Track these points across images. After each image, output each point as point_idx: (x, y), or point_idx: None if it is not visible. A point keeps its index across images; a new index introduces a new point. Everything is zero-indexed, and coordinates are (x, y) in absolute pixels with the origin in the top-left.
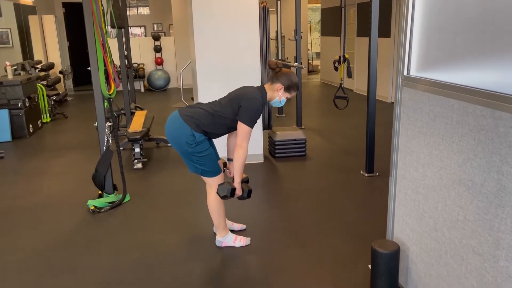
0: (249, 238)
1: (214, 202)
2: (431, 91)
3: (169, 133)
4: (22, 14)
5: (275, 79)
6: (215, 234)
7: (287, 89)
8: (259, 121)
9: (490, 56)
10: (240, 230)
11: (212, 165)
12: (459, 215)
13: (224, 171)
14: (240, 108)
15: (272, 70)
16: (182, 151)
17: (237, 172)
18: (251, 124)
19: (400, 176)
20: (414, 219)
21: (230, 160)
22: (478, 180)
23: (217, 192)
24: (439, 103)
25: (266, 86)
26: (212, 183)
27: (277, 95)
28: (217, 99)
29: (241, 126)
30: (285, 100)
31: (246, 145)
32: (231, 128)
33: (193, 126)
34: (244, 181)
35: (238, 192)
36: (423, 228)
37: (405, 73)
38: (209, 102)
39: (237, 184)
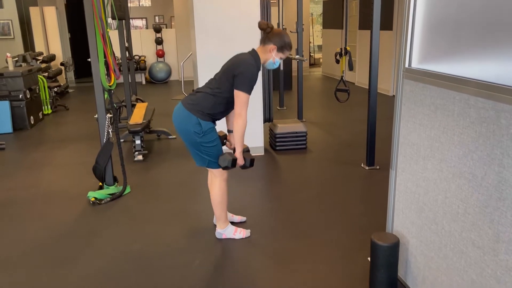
0: (249, 230)
1: (218, 194)
2: (432, 83)
3: (177, 126)
4: (23, 5)
5: (267, 40)
6: (215, 226)
7: (280, 49)
8: (259, 113)
9: (493, 48)
10: (240, 222)
11: (217, 156)
12: (459, 208)
13: (224, 143)
14: (235, 77)
15: (263, 31)
16: (191, 141)
17: (238, 142)
18: (248, 91)
19: (400, 169)
20: (414, 212)
21: (230, 131)
22: (479, 173)
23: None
24: (440, 95)
25: (259, 49)
26: (217, 174)
27: (270, 57)
28: (212, 77)
29: (238, 94)
30: (279, 61)
31: (245, 113)
32: (233, 102)
33: (197, 114)
34: (245, 151)
35: (240, 162)
36: (423, 221)
37: (406, 65)
38: (206, 83)
39: (238, 154)
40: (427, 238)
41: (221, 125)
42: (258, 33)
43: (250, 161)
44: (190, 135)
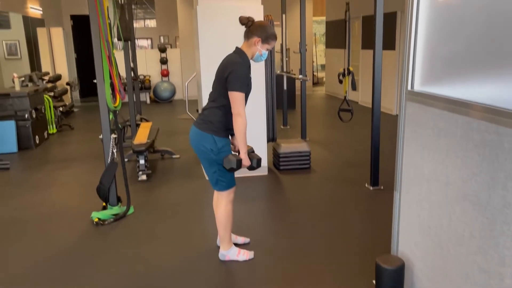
0: (252, 252)
1: (223, 215)
2: (435, 105)
3: (194, 147)
4: (30, 26)
5: (249, 33)
6: (218, 247)
7: (265, 40)
8: (263, 133)
9: (495, 71)
10: (244, 244)
11: (229, 177)
12: (465, 232)
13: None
14: (227, 79)
15: (245, 25)
16: (207, 159)
17: (241, 142)
18: (241, 89)
19: (404, 190)
20: (419, 234)
21: (232, 135)
22: (483, 196)
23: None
24: (443, 118)
25: (243, 46)
26: (224, 196)
27: (256, 50)
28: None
29: (232, 94)
30: (266, 52)
31: (243, 112)
32: None
33: (211, 131)
34: (250, 151)
35: (245, 162)
36: (428, 243)
37: (409, 88)
38: (208, 98)
39: (243, 154)
40: (432, 261)
41: None
42: None
43: (256, 162)
44: (207, 153)
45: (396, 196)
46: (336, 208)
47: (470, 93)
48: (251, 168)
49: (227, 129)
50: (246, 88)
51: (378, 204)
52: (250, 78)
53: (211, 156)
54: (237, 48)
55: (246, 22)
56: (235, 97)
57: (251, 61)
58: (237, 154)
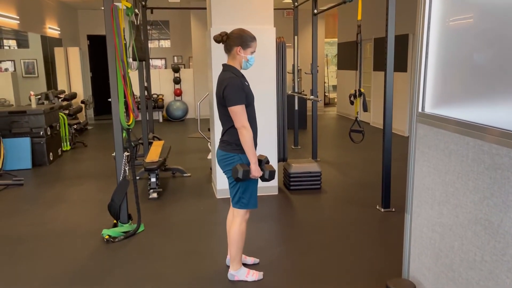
0: (261, 273)
1: (237, 233)
2: (445, 128)
3: (222, 168)
4: (48, 45)
5: (228, 46)
6: (228, 267)
7: (244, 45)
8: (274, 153)
9: (506, 94)
10: (253, 264)
11: (251, 197)
12: (476, 256)
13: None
14: (224, 98)
15: (221, 42)
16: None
17: (249, 153)
18: (239, 102)
19: (415, 213)
20: (430, 258)
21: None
22: (495, 219)
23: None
24: (454, 140)
25: (229, 61)
26: (239, 214)
27: (241, 58)
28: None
29: (232, 110)
30: (252, 56)
31: (246, 123)
32: (251, 117)
33: (235, 151)
34: (265, 162)
35: (256, 173)
36: (440, 267)
37: (419, 110)
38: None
39: (253, 165)
40: (444, 285)
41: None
42: (273, 75)
43: (269, 173)
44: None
45: (407, 218)
46: (346, 230)
47: (481, 116)
48: (263, 179)
49: None
50: (244, 99)
51: (389, 226)
52: (247, 86)
53: None
54: (223, 65)
55: (221, 38)
56: (235, 111)
57: (243, 71)
58: (243, 163)
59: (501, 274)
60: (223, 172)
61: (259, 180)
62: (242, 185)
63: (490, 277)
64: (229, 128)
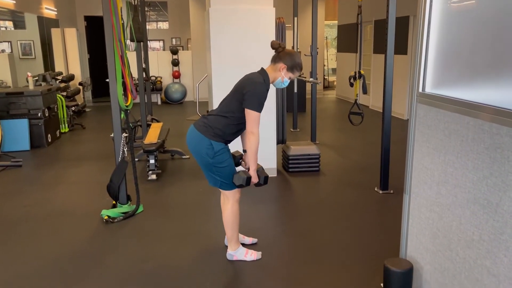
0: (260, 253)
1: (230, 215)
2: (445, 108)
3: (190, 147)
4: (45, 26)
5: (277, 59)
6: (226, 247)
7: (290, 68)
8: (273, 135)
9: (506, 73)
10: (252, 244)
11: (231, 177)
12: (474, 235)
13: (240, 163)
14: (244, 95)
15: (275, 50)
16: (204, 162)
17: (251, 160)
18: (258, 109)
19: (414, 193)
20: (428, 237)
21: (245, 151)
22: (494, 199)
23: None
24: (454, 120)
25: (268, 68)
26: (229, 196)
27: (280, 75)
28: (223, 98)
29: (249, 113)
30: (288, 80)
31: (257, 131)
32: (245, 123)
33: (209, 135)
34: (259, 169)
35: (254, 179)
36: (437, 247)
37: (420, 90)
38: (218, 106)
39: (252, 171)
40: (441, 264)
41: (236, 145)
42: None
43: (264, 179)
44: (202, 157)
45: (405, 198)
46: (345, 212)
47: (482, 95)
48: (258, 184)
49: (226, 140)
50: (262, 108)
51: (388, 208)
52: (265, 98)
53: (208, 159)
54: (262, 68)
55: (277, 47)
56: (252, 116)
57: (271, 85)
58: (246, 171)
59: (499, 253)
60: (192, 153)
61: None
62: (217, 170)
63: (487, 255)
64: (222, 116)
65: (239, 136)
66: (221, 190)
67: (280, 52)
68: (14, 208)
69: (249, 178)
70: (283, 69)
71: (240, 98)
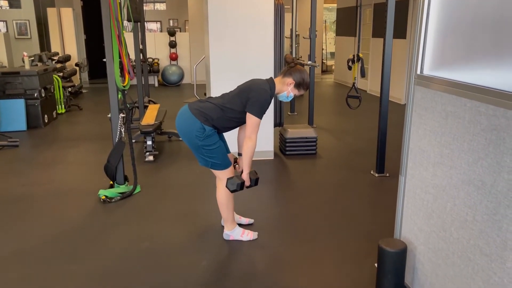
0: (256, 233)
1: (223, 195)
2: (443, 90)
3: (179, 126)
4: (40, 6)
5: (288, 73)
6: (223, 227)
7: (298, 85)
8: (270, 118)
9: (504, 55)
10: (248, 224)
11: (222, 158)
12: (468, 215)
13: (234, 167)
14: (248, 100)
15: (287, 64)
16: (192, 144)
17: (246, 164)
18: (259, 116)
19: (410, 175)
20: (423, 218)
21: (240, 155)
22: (488, 180)
23: (226, 186)
24: (451, 102)
25: (277, 80)
26: (221, 176)
27: (286, 89)
28: (226, 92)
29: (250, 118)
30: (293, 96)
31: (255, 137)
32: (240, 122)
33: (202, 119)
34: (251, 172)
35: (247, 183)
36: (431, 227)
37: (418, 72)
38: (219, 96)
39: (245, 175)
40: (435, 245)
41: (232, 142)
42: (271, 39)
43: (255, 181)
44: (192, 138)
45: (401, 180)
46: (340, 194)
47: (480, 78)
48: (249, 186)
49: (216, 128)
50: (263, 115)
51: (383, 191)
52: (268, 107)
53: (197, 141)
54: (271, 78)
55: (291, 62)
56: (253, 121)
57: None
58: (239, 175)
59: (492, 233)
60: (179, 132)
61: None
62: (207, 151)
63: (480, 236)
64: (217, 106)
65: (236, 140)
66: (213, 170)
67: (292, 68)
68: (11, 188)
69: (242, 183)
70: (291, 84)
71: (244, 100)
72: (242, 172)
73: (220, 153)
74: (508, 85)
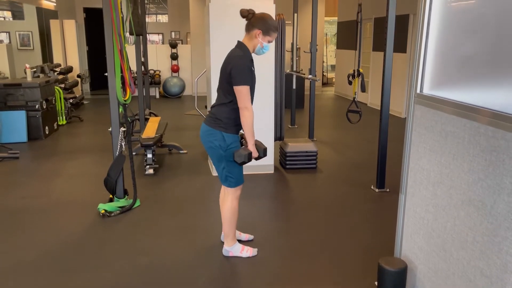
0: (256, 249)
1: (229, 210)
2: (443, 109)
3: (204, 143)
4: (44, 18)
5: (250, 26)
6: (222, 243)
7: (266, 32)
8: (271, 132)
9: (504, 76)
10: (248, 241)
11: (237, 174)
12: (468, 236)
13: (241, 143)
14: (230, 75)
15: (245, 18)
16: (217, 155)
17: (249, 134)
18: (245, 83)
19: (410, 193)
20: (423, 237)
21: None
22: (488, 201)
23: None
24: (451, 122)
25: (245, 39)
26: (230, 192)
27: (257, 42)
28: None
29: (237, 89)
30: (268, 45)
31: (249, 104)
32: None
33: (219, 128)
34: (256, 143)
35: (254, 154)
36: (432, 247)
37: (418, 91)
38: (216, 97)
39: (251, 146)
40: (435, 264)
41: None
42: (272, 52)
43: (263, 151)
44: (216, 150)
45: (401, 198)
46: (341, 209)
47: (479, 98)
48: (258, 158)
49: (236, 124)
50: (250, 81)
51: (383, 206)
52: (253, 71)
53: (220, 152)
54: (238, 42)
55: (247, 14)
56: (240, 90)
57: (253, 55)
58: (245, 147)
59: (492, 254)
60: (206, 149)
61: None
62: (228, 163)
63: (481, 257)
64: (221, 104)
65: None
66: (223, 185)
67: (251, 19)
68: (11, 200)
69: (250, 154)
70: (259, 34)
71: (229, 79)
72: (246, 144)
73: (238, 169)
74: (507, 107)
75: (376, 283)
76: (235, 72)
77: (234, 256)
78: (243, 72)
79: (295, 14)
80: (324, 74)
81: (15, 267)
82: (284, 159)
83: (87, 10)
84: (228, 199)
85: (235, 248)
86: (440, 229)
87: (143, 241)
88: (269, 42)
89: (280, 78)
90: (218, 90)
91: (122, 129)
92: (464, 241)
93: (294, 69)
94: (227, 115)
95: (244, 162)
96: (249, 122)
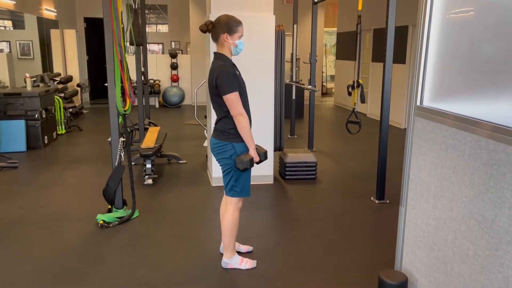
0: (255, 261)
1: (230, 221)
2: (443, 122)
3: (216, 156)
4: (44, 27)
5: (215, 34)
6: (221, 254)
7: (230, 31)
8: (270, 142)
9: (505, 90)
10: (247, 252)
11: (243, 186)
12: (469, 250)
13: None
14: (217, 87)
15: (207, 31)
16: (228, 166)
17: (247, 140)
18: (232, 89)
19: (410, 206)
20: (423, 250)
21: None
22: (489, 215)
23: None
24: (451, 135)
25: (218, 49)
26: (232, 202)
27: (229, 44)
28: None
29: (226, 98)
30: (241, 41)
31: (242, 110)
32: (244, 106)
33: (229, 139)
34: (256, 147)
35: (256, 159)
36: (432, 260)
37: (418, 103)
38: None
39: (252, 151)
40: (436, 278)
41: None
42: (272, 63)
43: (263, 155)
44: (227, 160)
45: (401, 211)
46: (340, 221)
47: (480, 111)
48: (259, 162)
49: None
50: (237, 86)
51: (383, 218)
52: (239, 75)
53: (231, 162)
54: (214, 53)
55: (206, 28)
56: (230, 99)
57: (234, 58)
58: (246, 153)
59: (493, 268)
60: (217, 160)
61: (252, 168)
62: (236, 173)
63: (482, 271)
64: (222, 117)
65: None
66: (226, 195)
67: (213, 28)
68: (9, 210)
69: (251, 160)
70: (226, 37)
71: (217, 91)
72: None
73: (245, 180)
74: (508, 120)
75: None
76: (220, 82)
77: (233, 268)
78: (227, 79)
79: (295, 25)
80: (324, 84)
81: (12, 279)
82: (283, 170)
83: (87, 20)
84: (230, 210)
85: (234, 260)
86: (441, 242)
87: (141, 252)
88: (240, 37)
89: (279, 88)
90: (213, 106)
91: (122, 139)
92: (465, 254)
93: (294, 79)
94: (232, 126)
95: (247, 168)
96: (246, 127)
